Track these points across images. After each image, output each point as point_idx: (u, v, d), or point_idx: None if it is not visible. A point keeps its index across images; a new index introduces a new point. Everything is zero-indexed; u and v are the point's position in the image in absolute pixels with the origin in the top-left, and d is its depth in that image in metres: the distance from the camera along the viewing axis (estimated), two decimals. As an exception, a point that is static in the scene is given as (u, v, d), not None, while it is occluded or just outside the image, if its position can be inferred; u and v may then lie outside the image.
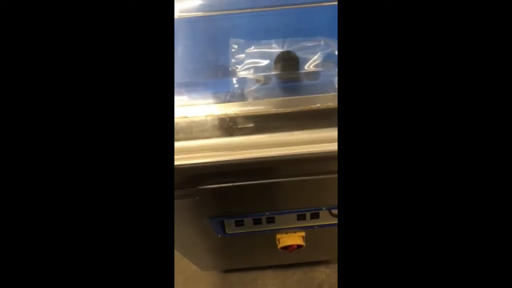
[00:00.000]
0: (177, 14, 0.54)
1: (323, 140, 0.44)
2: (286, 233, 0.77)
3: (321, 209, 0.66)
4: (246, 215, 0.66)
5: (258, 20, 0.57)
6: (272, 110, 0.48)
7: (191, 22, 0.55)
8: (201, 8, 0.55)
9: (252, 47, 0.55)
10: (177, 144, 0.44)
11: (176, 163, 0.42)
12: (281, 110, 0.46)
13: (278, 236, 0.78)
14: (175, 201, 0.52)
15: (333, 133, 0.45)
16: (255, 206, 0.63)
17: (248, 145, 0.45)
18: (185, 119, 0.47)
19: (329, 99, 0.49)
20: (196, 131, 0.46)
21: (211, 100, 0.50)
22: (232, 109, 0.48)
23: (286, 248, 0.79)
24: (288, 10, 0.56)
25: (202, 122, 0.47)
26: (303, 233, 0.77)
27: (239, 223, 0.71)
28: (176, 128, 0.46)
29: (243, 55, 0.54)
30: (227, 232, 0.73)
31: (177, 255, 1.11)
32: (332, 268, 1.25)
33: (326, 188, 0.60)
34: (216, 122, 0.46)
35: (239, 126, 0.47)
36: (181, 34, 0.54)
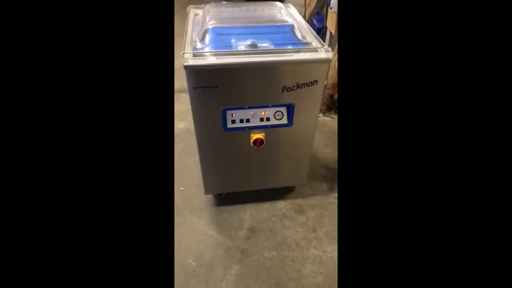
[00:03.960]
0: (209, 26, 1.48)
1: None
2: (255, 133, 1.55)
3: (268, 107, 1.48)
4: (238, 107, 1.46)
5: (241, 30, 1.52)
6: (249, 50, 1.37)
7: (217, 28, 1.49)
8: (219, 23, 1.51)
9: (239, 41, 1.47)
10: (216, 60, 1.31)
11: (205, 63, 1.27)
12: (254, 49, 1.37)
13: (251, 134, 1.55)
14: (205, 92, 1.36)
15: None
16: (244, 99, 1.45)
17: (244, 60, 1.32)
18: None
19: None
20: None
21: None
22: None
23: (255, 142, 1.55)
24: (255, 27, 1.52)
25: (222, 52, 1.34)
26: (263, 134, 1.56)
27: (233, 121, 1.50)
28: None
29: (236, 43, 1.46)
30: (227, 127, 1.50)
31: (188, 193, 1.72)
32: (289, 201, 1.93)
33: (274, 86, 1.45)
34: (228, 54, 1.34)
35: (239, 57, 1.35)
36: (213, 31, 1.47)
